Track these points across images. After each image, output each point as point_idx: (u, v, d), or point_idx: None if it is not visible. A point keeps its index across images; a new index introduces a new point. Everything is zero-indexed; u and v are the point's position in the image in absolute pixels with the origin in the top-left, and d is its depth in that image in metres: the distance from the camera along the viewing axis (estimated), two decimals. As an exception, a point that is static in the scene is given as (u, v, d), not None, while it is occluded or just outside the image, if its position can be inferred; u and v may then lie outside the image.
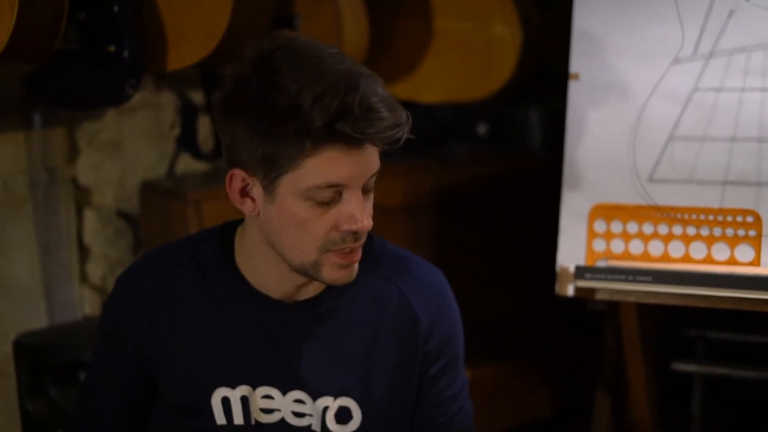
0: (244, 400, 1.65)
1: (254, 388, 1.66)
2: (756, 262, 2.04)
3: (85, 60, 2.22)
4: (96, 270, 2.78)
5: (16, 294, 2.62)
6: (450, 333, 1.74)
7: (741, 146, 2.07)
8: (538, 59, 3.01)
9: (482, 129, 3.23)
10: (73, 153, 2.72)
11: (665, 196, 2.11)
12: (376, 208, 2.74)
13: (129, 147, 2.80)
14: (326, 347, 1.67)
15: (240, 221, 1.69)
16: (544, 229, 2.46)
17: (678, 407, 2.54)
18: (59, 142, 2.69)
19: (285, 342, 1.66)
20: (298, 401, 1.67)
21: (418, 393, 1.73)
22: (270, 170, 1.52)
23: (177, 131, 2.85)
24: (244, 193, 1.57)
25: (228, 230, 1.70)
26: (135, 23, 2.24)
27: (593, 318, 2.37)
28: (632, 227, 2.14)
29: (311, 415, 1.67)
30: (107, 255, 2.79)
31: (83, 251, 2.77)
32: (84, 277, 2.78)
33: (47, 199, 2.66)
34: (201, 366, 1.65)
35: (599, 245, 2.17)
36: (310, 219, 1.53)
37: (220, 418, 1.65)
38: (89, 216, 2.76)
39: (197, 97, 2.77)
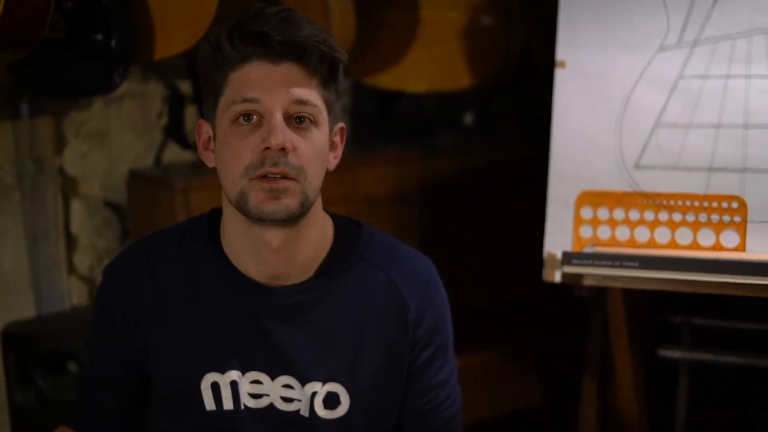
0: (234, 385, 1.66)
1: (243, 372, 1.66)
2: (741, 247, 2.05)
3: (72, 49, 2.22)
4: (83, 260, 2.78)
5: (4, 284, 2.61)
6: (439, 320, 1.75)
7: (726, 133, 2.08)
8: (523, 49, 3.01)
9: (468, 118, 3.24)
10: (60, 143, 2.72)
11: (651, 183, 2.12)
12: (364, 197, 2.81)
13: (116, 137, 2.80)
14: (314, 333, 1.67)
15: None
16: (530, 218, 2.47)
17: (664, 394, 2.56)
18: (46, 132, 2.68)
19: (273, 327, 1.66)
20: (287, 386, 1.67)
21: (408, 380, 1.73)
22: (212, 106, 1.61)
23: (164, 121, 2.85)
24: (207, 146, 1.65)
25: (214, 217, 1.71)
26: (122, 12, 2.24)
27: (580, 306, 2.39)
28: (619, 214, 2.15)
29: (300, 400, 1.67)
30: (95, 245, 2.79)
31: (71, 241, 2.76)
32: (71, 268, 2.77)
33: (34, 189, 2.66)
34: (191, 352, 1.66)
35: (586, 232, 2.18)
36: (234, 142, 1.57)
37: (209, 404, 1.66)
38: (76, 206, 2.76)
39: (185, 86, 2.77)
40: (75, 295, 2.78)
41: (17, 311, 2.62)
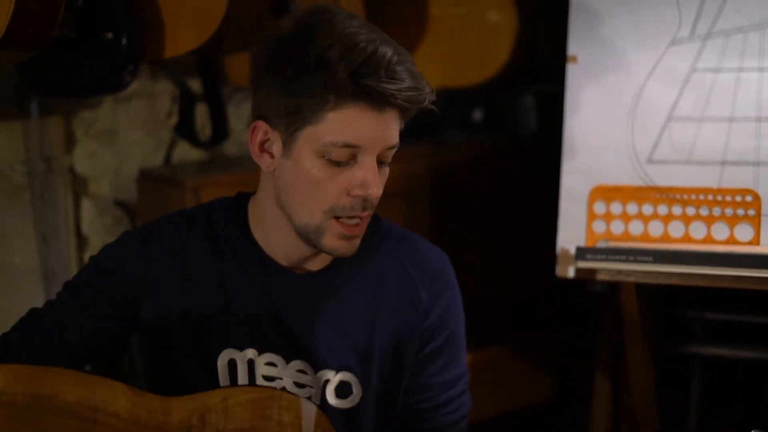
0: (251, 364, 1.66)
1: (259, 353, 1.67)
2: (755, 241, 2.05)
3: (82, 47, 2.21)
4: (94, 259, 2.77)
5: (15, 283, 2.61)
6: (449, 312, 1.75)
7: (739, 126, 2.07)
8: (531, 44, 3.01)
9: (477, 115, 3.24)
10: (69, 142, 2.72)
11: (664, 177, 2.12)
12: None
13: (125, 136, 2.80)
14: (330, 321, 1.68)
15: (252, 192, 1.71)
16: (540, 213, 2.47)
17: (677, 388, 2.57)
18: (56, 132, 2.68)
19: (291, 311, 1.67)
20: (301, 371, 1.68)
21: (411, 373, 1.74)
22: (292, 122, 1.55)
23: (174, 119, 2.85)
24: (264, 147, 1.60)
25: (242, 199, 1.72)
26: (132, 10, 2.24)
27: (590, 300, 2.38)
28: (632, 208, 2.15)
29: (312, 387, 1.68)
30: (104, 244, 2.78)
31: (81, 240, 2.76)
32: (82, 267, 2.77)
33: (44, 189, 2.66)
34: (211, 326, 1.66)
35: (599, 227, 2.17)
36: (322, 178, 1.55)
37: (224, 380, 1.65)
38: (86, 205, 2.76)
39: (194, 84, 2.77)
40: (85, 294, 2.77)
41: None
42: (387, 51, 1.49)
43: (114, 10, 2.20)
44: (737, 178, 2.06)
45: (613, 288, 2.26)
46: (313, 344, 1.67)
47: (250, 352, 1.66)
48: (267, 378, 1.67)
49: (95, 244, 2.77)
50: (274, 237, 1.66)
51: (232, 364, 1.66)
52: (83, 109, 2.70)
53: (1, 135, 2.57)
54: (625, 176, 2.15)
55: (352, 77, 1.49)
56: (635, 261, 2.05)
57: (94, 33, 2.21)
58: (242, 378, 1.66)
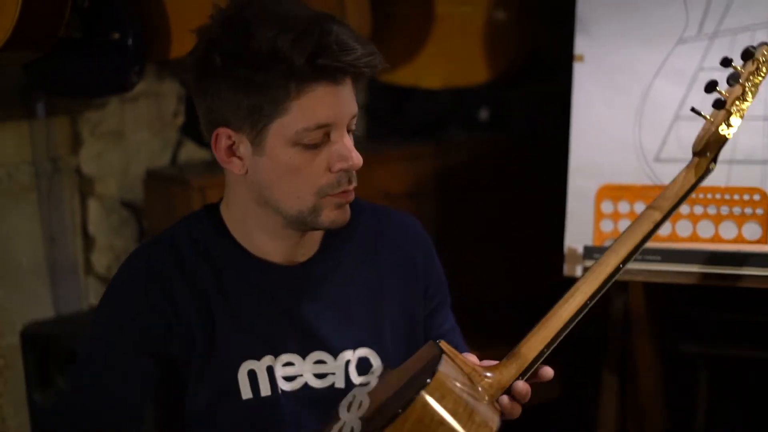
0: (270, 370, 1.65)
1: (275, 356, 1.66)
2: (763, 240, 2.05)
3: (89, 48, 2.22)
4: (101, 260, 2.78)
5: (22, 284, 2.61)
6: (439, 270, 1.81)
7: (747, 125, 1.98)
8: (536, 43, 3.02)
9: (483, 114, 3.24)
10: (76, 143, 2.72)
11: (672, 176, 1.98)
12: (382, 194, 2.81)
13: (131, 136, 2.80)
14: (335, 303, 1.69)
15: (218, 203, 1.70)
16: (546, 212, 2.46)
17: (684, 387, 2.57)
18: (62, 132, 2.69)
19: (297, 305, 1.67)
20: (319, 362, 1.68)
21: (423, 331, 1.77)
22: (257, 121, 1.54)
23: (181, 119, 2.85)
24: (231, 152, 1.59)
25: (211, 210, 1.71)
26: (138, 10, 2.24)
27: (599, 300, 2.36)
28: (639, 207, 2.13)
29: (333, 374, 1.67)
30: (112, 245, 2.79)
31: (88, 241, 2.77)
32: (89, 267, 2.77)
33: (51, 189, 2.66)
34: (226, 344, 1.64)
35: (607, 226, 2.17)
36: (302, 164, 1.55)
37: (246, 392, 1.64)
38: (93, 205, 2.76)
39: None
40: (92, 294, 2.78)
41: (35, 311, 2.63)
42: (332, 25, 1.51)
43: (120, 11, 2.21)
44: (745, 177, 2.06)
45: (621, 287, 2.26)
46: (326, 331, 1.68)
47: (268, 359, 1.65)
48: (287, 378, 1.66)
49: (102, 244, 2.77)
50: (260, 236, 1.65)
51: (252, 375, 1.65)
52: (90, 109, 2.71)
53: (7, 136, 2.57)
54: (632, 175, 2.15)
55: (308, 61, 1.49)
56: (643, 260, 2.05)
57: (101, 33, 2.22)
58: (263, 386, 1.64)
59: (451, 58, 2.93)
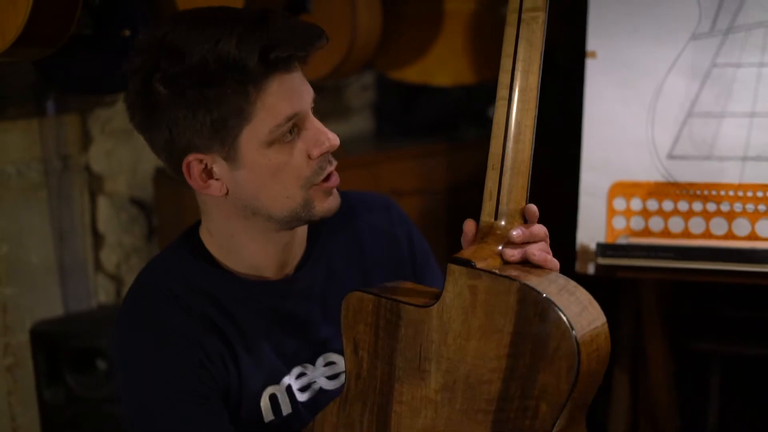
0: (289, 389, 1.63)
1: (289, 373, 1.64)
2: None
3: (99, 45, 2.21)
4: (111, 257, 2.78)
5: (31, 282, 2.61)
6: (418, 235, 1.80)
7: (760, 121, 2.05)
8: (547, 39, 2.99)
9: (492, 111, 3.22)
10: (85, 140, 2.72)
11: (685, 173, 2.10)
12: (390, 192, 2.80)
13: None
14: (332, 302, 1.65)
15: (193, 228, 1.66)
16: (558, 209, 2.44)
17: (697, 386, 2.56)
18: (72, 130, 2.68)
19: (297, 314, 1.64)
20: (329, 364, 1.67)
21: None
22: (225, 136, 1.49)
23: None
24: (207, 176, 1.54)
25: (190, 240, 1.64)
26: (149, 7, 2.23)
27: (609, 297, 2.32)
28: (652, 204, 2.13)
29: (344, 372, 1.62)
30: (121, 242, 2.79)
31: (97, 239, 2.76)
32: (98, 265, 2.77)
33: (61, 187, 2.65)
34: (249, 375, 1.60)
35: (619, 223, 2.16)
36: (283, 161, 1.52)
37: (267, 416, 1.61)
38: (103, 203, 2.76)
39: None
40: (102, 292, 2.78)
41: (45, 309, 2.63)
42: (270, 17, 1.48)
43: (131, 8, 2.20)
44: (759, 174, 2.04)
45: (633, 284, 2.25)
46: (330, 332, 1.65)
47: (286, 379, 1.63)
48: (302, 389, 1.64)
49: (111, 242, 2.77)
50: (250, 249, 1.61)
51: (273, 399, 1.62)
52: (99, 107, 2.70)
53: (18, 133, 2.57)
54: (645, 172, 2.14)
55: (261, 59, 1.46)
56: (656, 257, 2.03)
57: (112, 30, 2.21)
58: (284, 406, 1.62)
59: (461, 55, 2.92)
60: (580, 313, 1.35)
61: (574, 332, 1.31)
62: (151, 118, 1.51)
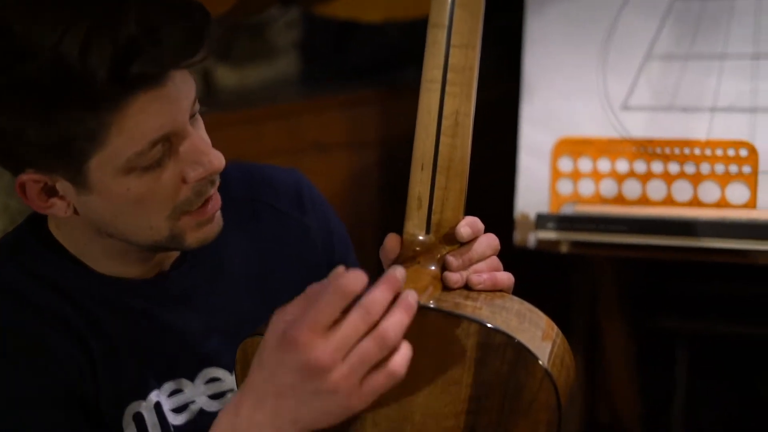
0: (158, 407, 1.41)
1: (159, 388, 1.42)
2: (751, 203, 1.88)
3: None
4: None
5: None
6: (339, 226, 1.61)
7: (732, 65, 1.92)
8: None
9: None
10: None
11: (642, 127, 1.96)
12: (312, 145, 2.55)
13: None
14: (220, 307, 1.46)
15: (35, 217, 1.42)
16: (504, 169, 2.27)
17: (663, 367, 2.47)
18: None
19: (174, 321, 1.42)
20: (212, 380, 1.45)
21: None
22: (69, 161, 1.22)
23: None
24: (48, 193, 1.29)
25: (36, 232, 1.40)
26: None
27: (562, 271, 2.28)
28: (604, 165, 1.98)
29: (232, 389, 1.45)
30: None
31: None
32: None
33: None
34: (107, 389, 1.38)
35: (565, 187, 2.01)
36: (147, 190, 1.25)
37: None
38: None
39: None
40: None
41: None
42: (129, 5, 1.17)
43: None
44: (729, 128, 1.90)
45: (584, 259, 2.16)
46: (214, 343, 1.44)
47: (154, 395, 1.40)
48: (176, 410, 1.42)
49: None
50: (112, 256, 1.38)
51: (138, 419, 1.39)
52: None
53: None
54: (595, 126, 1.99)
55: (113, 74, 1.15)
56: (607, 231, 1.89)
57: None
58: (154, 430, 1.40)
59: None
60: (541, 338, 1.18)
61: (552, 378, 1.13)
62: None
